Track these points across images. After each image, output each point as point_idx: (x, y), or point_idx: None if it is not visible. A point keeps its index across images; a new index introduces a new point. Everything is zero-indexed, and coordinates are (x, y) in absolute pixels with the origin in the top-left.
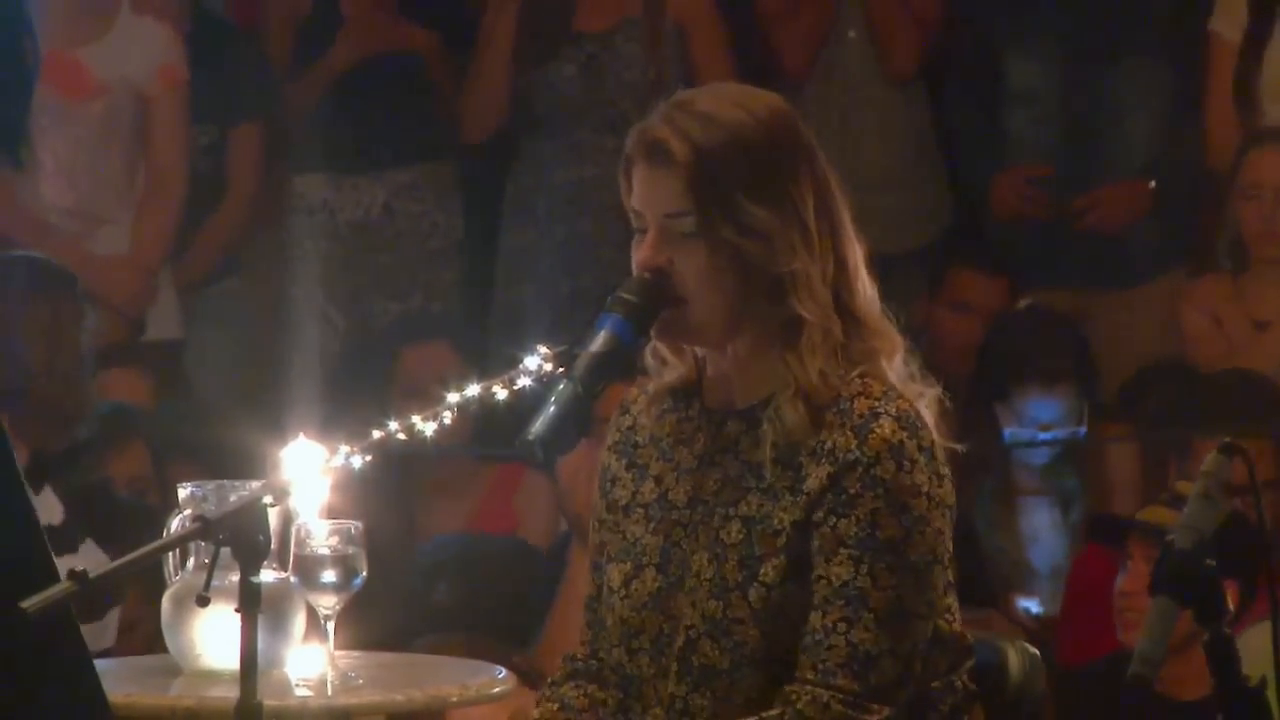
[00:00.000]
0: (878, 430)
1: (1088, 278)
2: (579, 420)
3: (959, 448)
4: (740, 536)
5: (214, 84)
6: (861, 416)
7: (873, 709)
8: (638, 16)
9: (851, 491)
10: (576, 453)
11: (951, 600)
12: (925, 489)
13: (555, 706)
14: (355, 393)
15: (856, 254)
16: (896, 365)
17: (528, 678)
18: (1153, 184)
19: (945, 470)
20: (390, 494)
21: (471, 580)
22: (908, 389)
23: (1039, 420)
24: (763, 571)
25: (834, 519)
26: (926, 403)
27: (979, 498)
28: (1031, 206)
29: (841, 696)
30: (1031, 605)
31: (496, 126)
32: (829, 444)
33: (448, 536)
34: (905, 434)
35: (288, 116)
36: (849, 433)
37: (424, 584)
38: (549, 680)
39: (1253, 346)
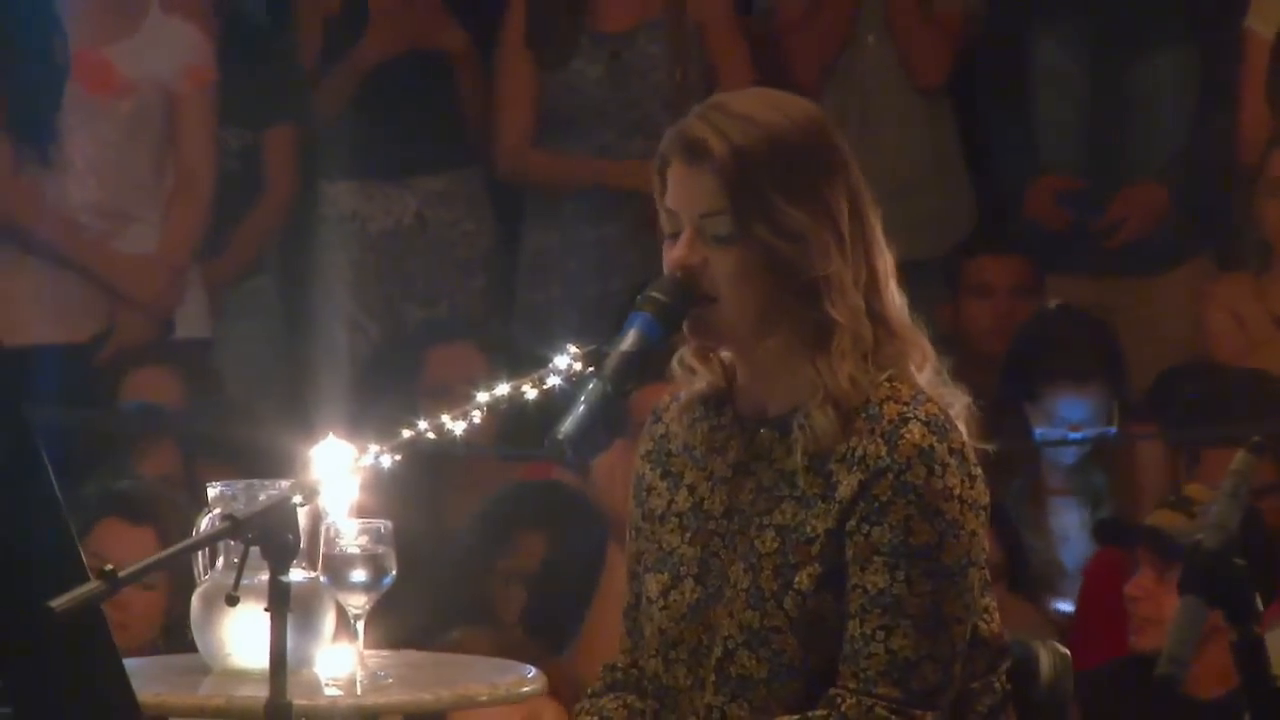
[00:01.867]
0: (907, 436)
1: (1110, 266)
2: (608, 420)
3: (989, 449)
4: (775, 545)
5: (248, 85)
6: (891, 422)
7: (916, 715)
8: (659, 18)
9: (884, 499)
10: (612, 452)
11: (990, 600)
12: (957, 492)
13: (594, 718)
14: (384, 392)
15: (887, 262)
16: (927, 374)
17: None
18: (1171, 188)
19: (977, 470)
20: (417, 493)
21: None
22: (939, 395)
23: (1069, 420)
24: (798, 580)
25: (867, 527)
26: (956, 411)
27: (1009, 497)
28: (1060, 223)
29: (886, 704)
30: (1064, 605)
31: (526, 130)
32: (859, 451)
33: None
34: (935, 438)
35: (318, 119)
36: (879, 439)
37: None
38: (589, 691)
39: (1274, 344)
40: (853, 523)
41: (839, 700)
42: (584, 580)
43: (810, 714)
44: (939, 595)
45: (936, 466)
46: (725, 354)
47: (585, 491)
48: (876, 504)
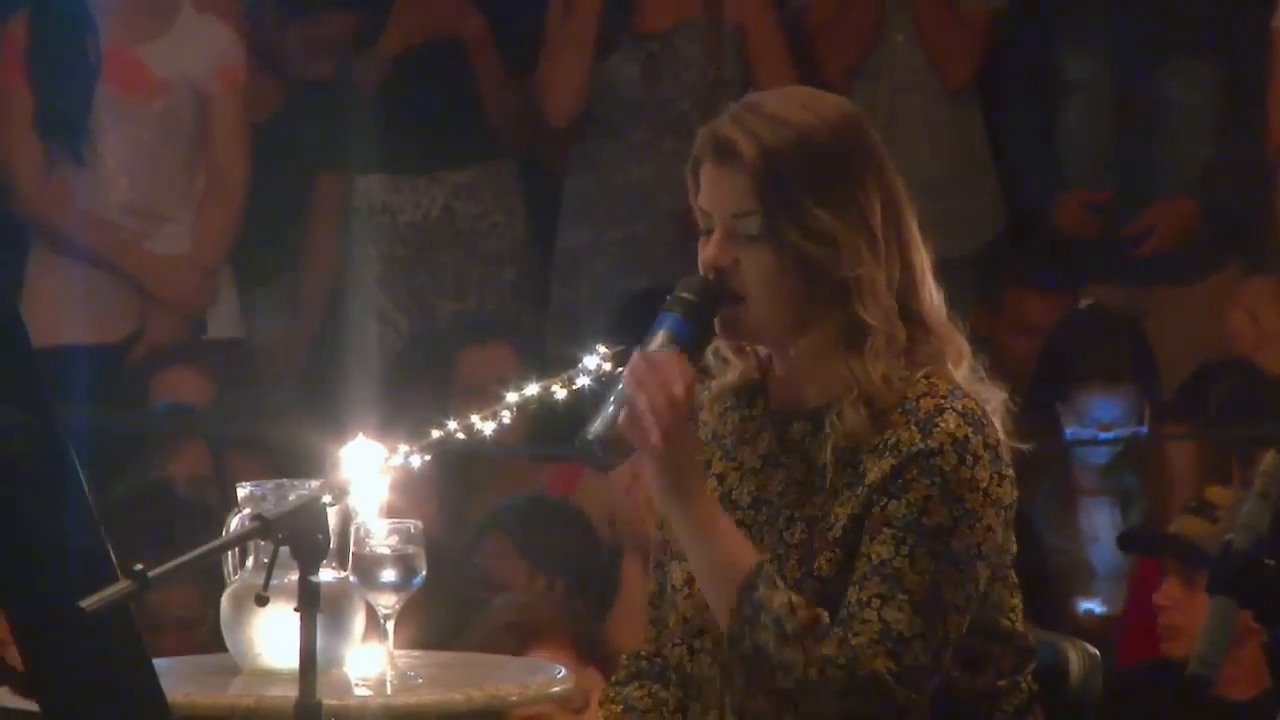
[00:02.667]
0: (942, 424)
1: (1140, 278)
2: None
3: (1025, 447)
4: (802, 537)
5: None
6: (927, 413)
7: (899, 693)
8: (697, 18)
9: (908, 477)
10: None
11: (1017, 601)
12: (984, 485)
13: (619, 709)
14: (413, 389)
15: (923, 260)
16: (963, 371)
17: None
18: (1202, 201)
19: (1009, 471)
20: (445, 493)
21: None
22: (975, 392)
23: (1100, 420)
24: (817, 565)
25: (885, 499)
26: (994, 407)
27: (1039, 498)
28: (1089, 230)
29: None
30: (1094, 606)
31: (574, 113)
32: (893, 439)
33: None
34: (970, 429)
35: (345, 111)
36: (913, 427)
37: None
38: (612, 679)
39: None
40: (877, 500)
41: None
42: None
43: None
44: (940, 578)
45: (969, 456)
46: (761, 347)
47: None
48: (901, 481)
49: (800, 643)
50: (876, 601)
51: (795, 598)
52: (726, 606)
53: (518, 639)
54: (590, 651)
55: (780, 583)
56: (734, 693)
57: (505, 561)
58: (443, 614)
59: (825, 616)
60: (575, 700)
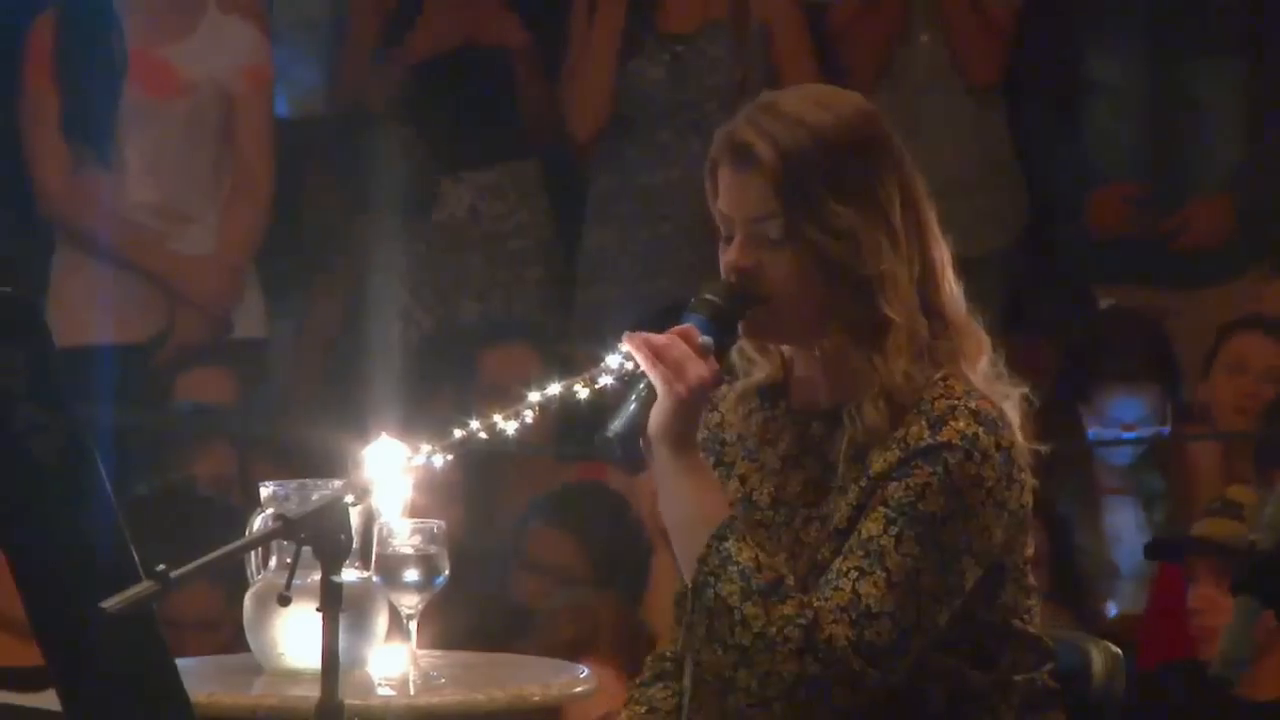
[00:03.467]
0: (953, 423)
1: (1171, 279)
2: None
3: (1042, 449)
4: (817, 535)
5: None
6: (940, 412)
7: (856, 664)
8: (722, 19)
9: (912, 465)
10: None
11: (1033, 602)
12: (989, 484)
13: (644, 709)
14: (436, 388)
15: (943, 255)
16: (983, 366)
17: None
18: (1236, 200)
19: (1021, 476)
20: (469, 492)
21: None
22: (994, 389)
23: (1122, 420)
24: (820, 555)
25: (886, 483)
26: (1013, 403)
27: (1062, 498)
28: (1128, 225)
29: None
30: (1110, 606)
31: (600, 124)
32: (902, 435)
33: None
34: (981, 429)
35: (369, 110)
36: (924, 424)
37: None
38: (637, 681)
39: None
40: (879, 485)
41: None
42: (631, 583)
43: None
44: (921, 564)
45: (976, 454)
46: (785, 346)
47: (625, 496)
48: (904, 468)
49: (763, 598)
50: (854, 573)
51: (763, 556)
52: (695, 555)
53: (573, 652)
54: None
55: (749, 539)
56: (693, 644)
57: (553, 545)
58: (487, 615)
59: (790, 579)
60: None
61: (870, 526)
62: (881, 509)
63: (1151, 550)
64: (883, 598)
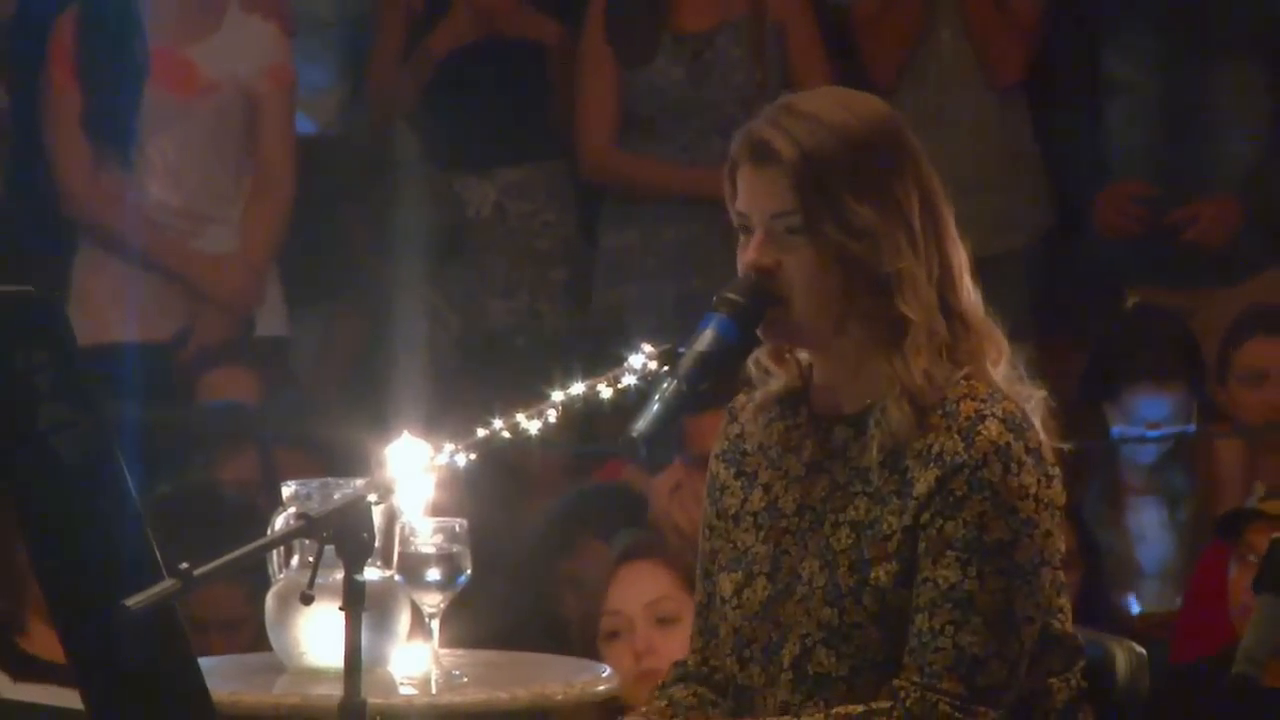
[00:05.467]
0: (984, 432)
1: (1188, 280)
2: (682, 418)
3: (1065, 447)
4: (850, 542)
5: None
6: (968, 419)
7: (979, 712)
8: (739, 19)
9: (959, 494)
10: (673, 470)
11: (1064, 601)
12: (1033, 490)
13: (664, 704)
14: (462, 386)
15: (961, 256)
16: (1002, 368)
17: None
18: (1245, 201)
19: (1054, 471)
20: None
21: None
22: (1014, 391)
23: (1147, 418)
24: (873, 575)
25: (940, 521)
26: (1033, 405)
27: (1087, 497)
28: (1135, 224)
29: (949, 700)
30: (1133, 604)
31: (610, 129)
32: (936, 447)
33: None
34: (1012, 436)
35: (394, 106)
36: (955, 436)
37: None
38: (659, 684)
39: None
40: (926, 516)
41: (903, 693)
42: None
43: (874, 705)
44: (1010, 593)
45: (1013, 464)
46: (801, 354)
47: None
48: (951, 498)
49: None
50: (950, 629)
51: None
52: None
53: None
54: None
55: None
56: None
57: (593, 555)
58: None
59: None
60: None
61: (946, 574)
62: (950, 553)
63: (1219, 525)
64: (985, 641)
